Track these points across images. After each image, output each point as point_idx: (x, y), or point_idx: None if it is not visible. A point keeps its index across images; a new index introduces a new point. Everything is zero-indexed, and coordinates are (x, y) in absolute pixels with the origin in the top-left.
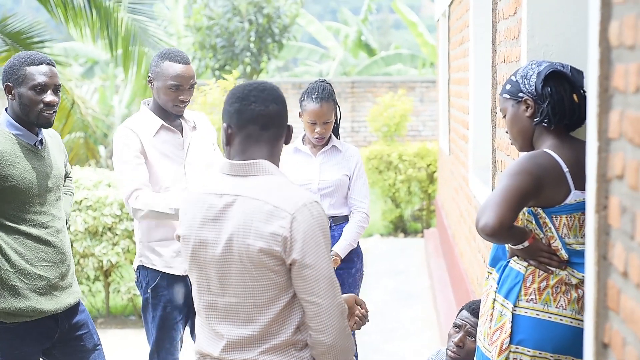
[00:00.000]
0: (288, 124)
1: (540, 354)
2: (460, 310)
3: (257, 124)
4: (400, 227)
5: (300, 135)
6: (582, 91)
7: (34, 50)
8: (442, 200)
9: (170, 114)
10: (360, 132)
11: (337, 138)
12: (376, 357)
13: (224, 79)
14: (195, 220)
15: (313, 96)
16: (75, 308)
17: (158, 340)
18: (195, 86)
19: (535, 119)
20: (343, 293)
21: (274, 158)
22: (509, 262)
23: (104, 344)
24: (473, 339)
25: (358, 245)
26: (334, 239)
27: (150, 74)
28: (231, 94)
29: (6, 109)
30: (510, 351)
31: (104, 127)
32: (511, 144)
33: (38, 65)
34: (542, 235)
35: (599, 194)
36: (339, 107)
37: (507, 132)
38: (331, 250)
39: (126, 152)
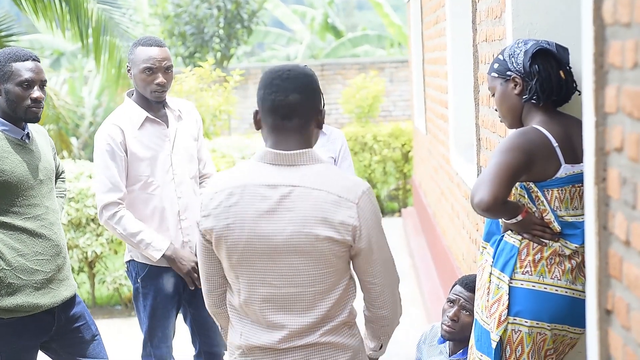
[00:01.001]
0: (319, 108)
1: (537, 324)
2: (454, 285)
3: (277, 114)
4: None
5: None
6: (567, 67)
7: (2, 44)
8: (419, 179)
9: (154, 104)
10: (331, 114)
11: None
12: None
13: (199, 66)
14: (246, 213)
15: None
16: (71, 301)
17: (150, 328)
18: (172, 70)
19: (524, 97)
20: None
21: (308, 144)
22: (503, 236)
23: None
24: (467, 312)
25: None
26: None
27: (127, 65)
28: (261, 78)
29: None
30: (508, 322)
31: (75, 118)
32: (500, 121)
33: (24, 61)
34: (534, 209)
35: (597, 166)
36: (322, 94)
37: (496, 110)
38: None
39: (106, 156)
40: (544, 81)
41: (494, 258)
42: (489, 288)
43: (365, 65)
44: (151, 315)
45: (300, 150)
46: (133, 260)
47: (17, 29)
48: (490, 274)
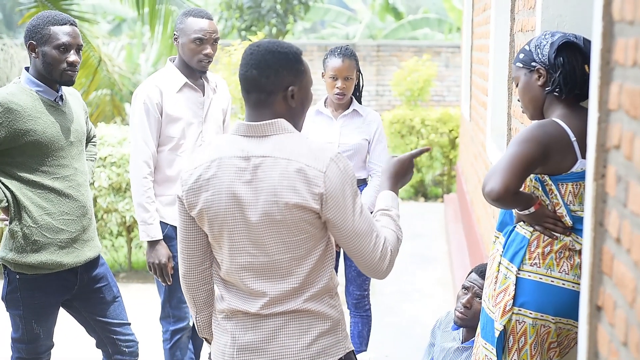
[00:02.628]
0: (290, 87)
1: (542, 316)
2: (470, 273)
3: (242, 88)
4: (421, 192)
5: (322, 98)
6: None
7: (62, 7)
8: (462, 166)
9: (194, 72)
10: (384, 95)
11: (359, 103)
12: (391, 317)
13: (249, 40)
14: (223, 184)
15: (336, 52)
16: (95, 261)
17: (169, 290)
18: (218, 42)
19: (547, 88)
20: (350, 262)
21: (277, 116)
22: (515, 226)
23: (126, 298)
24: (480, 300)
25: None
26: None
27: (175, 32)
28: None
29: (26, 68)
30: (513, 313)
31: (130, 85)
32: (522, 112)
33: (62, 25)
34: (547, 202)
35: (597, 162)
36: (361, 74)
37: (519, 100)
38: None
39: (142, 114)
40: (567, 74)
41: (504, 248)
42: (496, 277)
43: (422, 48)
44: (171, 276)
45: (269, 121)
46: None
47: None
48: (500, 263)
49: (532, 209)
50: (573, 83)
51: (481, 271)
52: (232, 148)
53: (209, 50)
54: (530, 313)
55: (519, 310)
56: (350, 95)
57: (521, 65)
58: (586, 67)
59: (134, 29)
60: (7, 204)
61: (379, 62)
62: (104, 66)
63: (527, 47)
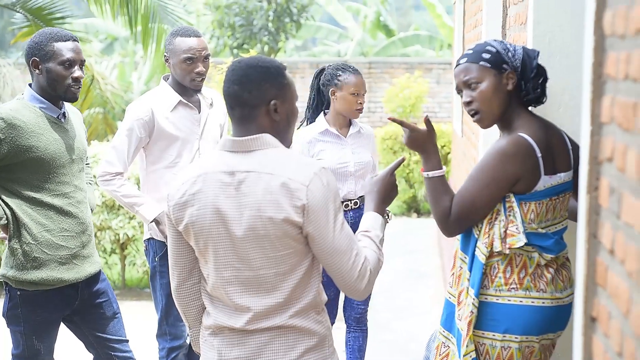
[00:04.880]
0: (272, 101)
1: (527, 338)
2: None
3: (227, 104)
4: (413, 208)
5: (320, 116)
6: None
7: (55, 25)
8: (455, 182)
9: (189, 90)
10: (376, 112)
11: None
12: (386, 334)
13: (241, 57)
14: (208, 199)
15: (349, 70)
16: (95, 277)
17: (166, 307)
18: (209, 59)
19: (526, 96)
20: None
21: (262, 131)
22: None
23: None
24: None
25: None
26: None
27: (165, 54)
28: None
29: (30, 85)
30: (497, 340)
31: (122, 103)
32: (472, 116)
33: (65, 41)
34: (502, 218)
35: (590, 175)
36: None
37: (470, 102)
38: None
39: (125, 133)
40: (544, 82)
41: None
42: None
43: (413, 65)
44: (168, 294)
45: (253, 136)
46: (152, 238)
47: (70, 12)
48: (468, 288)
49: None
50: (543, 92)
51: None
52: (218, 163)
53: (200, 68)
54: (516, 337)
55: (504, 337)
56: None
57: (489, 66)
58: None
59: (126, 47)
60: (6, 221)
61: (370, 79)
62: (96, 84)
63: (490, 48)
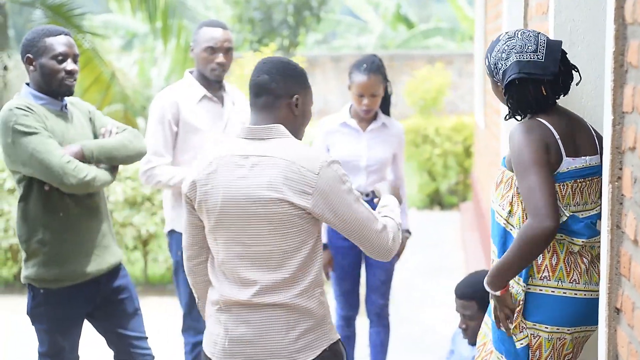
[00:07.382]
0: (295, 96)
1: (557, 329)
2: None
3: (252, 93)
4: (436, 201)
5: (346, 106)
6: (560, 67)
7: (74, 23)
8: (478, 174)
9: (212, 83)
10: (397, 105)
11: (388, 115)
12: (408, 326)
13: (260, 52)
14: (222, 179)
15: (361, 68)
16: (117, 271)
17: (190, 302)
18: (232, 52)
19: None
20: (374, 271)
21: (278, 121)
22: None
23: (142, 312)
24: (468, 318)
25: None
26: None
27: (191, 44)
28: None
29: (27, 84)
30: (527, 327)
31: (142, 100)
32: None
33: (57, 35)
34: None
35: (613, 165)
36: (389, 83)
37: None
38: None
39: (156, 124)
40: (518, 106)
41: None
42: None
43: (434, 57)
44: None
45: (269, 125)
46: (174, 230)
47: (89, 8)
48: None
49: (498, 293)
50: (526, 107)
51: (460, 291)
52: (234, 148)
53: (221, 59)
54: (546, 327)
55: (534, 325)
56: (376, 109)
57: (487, 71)
58: (543, 89)
59: (145, 43)
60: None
61: (391, 72)
62: (116, 81)
63: (489, 57)
